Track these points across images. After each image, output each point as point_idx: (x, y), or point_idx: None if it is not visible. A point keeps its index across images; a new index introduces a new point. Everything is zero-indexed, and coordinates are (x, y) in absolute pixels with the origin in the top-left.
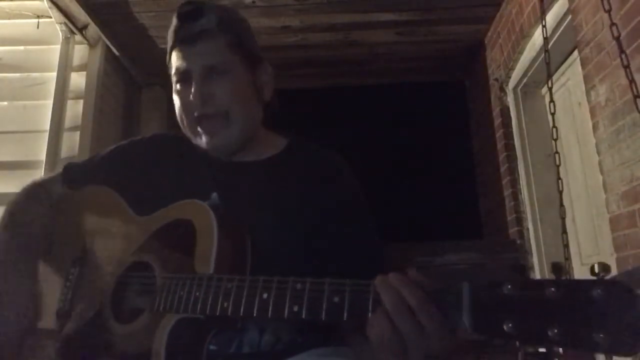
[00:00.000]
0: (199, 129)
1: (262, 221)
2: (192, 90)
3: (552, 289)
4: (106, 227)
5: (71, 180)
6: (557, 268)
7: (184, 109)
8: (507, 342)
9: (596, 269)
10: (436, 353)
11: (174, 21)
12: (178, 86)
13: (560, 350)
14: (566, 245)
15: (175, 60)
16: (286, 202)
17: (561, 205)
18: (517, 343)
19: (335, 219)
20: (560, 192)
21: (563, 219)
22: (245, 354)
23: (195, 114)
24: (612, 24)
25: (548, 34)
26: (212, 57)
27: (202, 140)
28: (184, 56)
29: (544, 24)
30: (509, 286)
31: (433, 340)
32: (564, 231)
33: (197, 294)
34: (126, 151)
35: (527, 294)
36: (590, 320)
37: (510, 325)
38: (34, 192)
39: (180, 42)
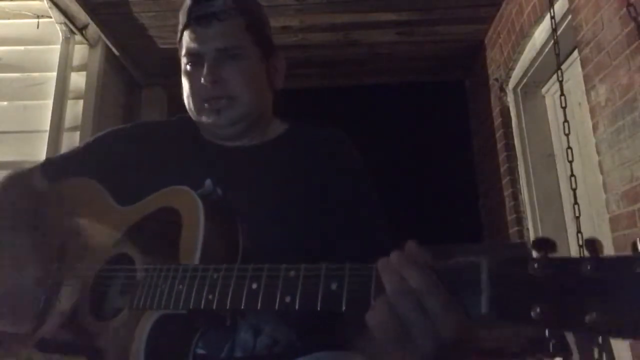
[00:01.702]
0: (205, 105)
1: (259, 207)
2: (204, 73)
3: (589, 267)
4: (86, 218)
5: (51, 172)
6: (591, 244)
7: (194, 91)
8: (534, 328)
9: (639, 246)
10: (447, 341)
11: (188, 0)
12: (188, 67)
13: (600, 339)
14: (581, 246)
15: (187, 41)
16: (284, 187)
17: (575, 202)
18: (546, 331)
19: (337, 202)
20: (574, 190)
21: (578, 217)
22: (238, 358)
23: (205, 96)
24: (630, 4)
25: (547, 36)
26: (226, 40)
27: (209, 119)
28: (197, 37)
29: (552, 14)
30: (536, 264)
31: (442, 327)
32: (579, 230)
33: (180, 287)
34: (109, 140)
35: (559, 273)
36: (636, 302)
37: (538, 309)
38: (15, 183)
39: (194, 22)
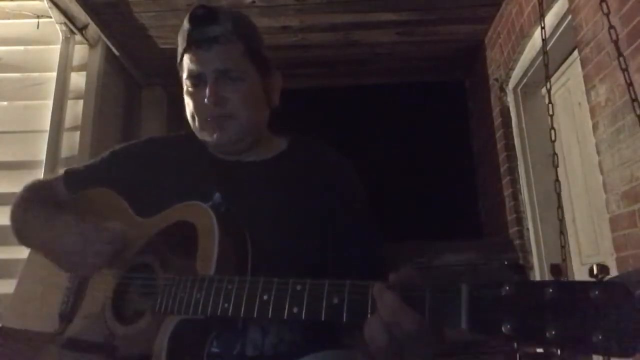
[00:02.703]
0: (208, 119)
1: (264, 221)
2: (207, 93)
3: (551, 290)
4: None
5: (72, 184)
6: (556, 269)
7: (197, 110)
8: (505, 343)
9: (595, 270)
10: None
11: (186, 24)
12: (191, 89)
13: (559, 351)
14: (563, 246)
15: (188, 63)
16: (288, 202)
17: (559, 207)
18: (515, 344)
19: (337, 219)
20: (559, 194)
21: (561, 220)
22: (248, 356)
23: (208, 118)
24: (611, 26)
25: (548, 35)
26: (226, 62)
27: (211, 136)
28: (199, 60)
29: (543, 25)
30: (507, 287)
31: (425, 346)
32: (562, 232)
33: (198, 295)
34: (126, 154)
35: (526, 295)
36: (588, 322)
37: (508, 326)
38: (38, 192)
39: (195, 45)
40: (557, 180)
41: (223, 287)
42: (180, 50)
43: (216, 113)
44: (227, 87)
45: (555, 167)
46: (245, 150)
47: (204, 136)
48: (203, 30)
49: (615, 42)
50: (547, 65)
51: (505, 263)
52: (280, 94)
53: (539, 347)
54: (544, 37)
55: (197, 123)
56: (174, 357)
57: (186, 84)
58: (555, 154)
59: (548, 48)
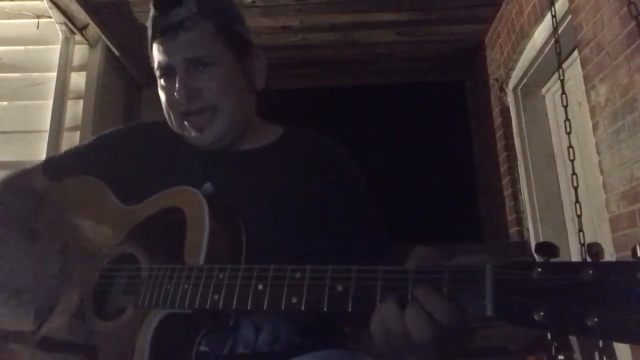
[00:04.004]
0: (186, 123)
1: (259, 211)
2: (177, 87)
3: (591, 272)
4: (90, 218)
5: (52, 172)
6: (593, 249)
7: (169, 105)
8: (537, 331)
9: (638, 251)
10: (452, 350)
11: (152, 9)
12: (162, 81)
13: (600, 342)
14: (583, 244)
15: (156, 55)
16: (283, 190)
17: (577, 201)
18: (549, 335)
19: (337, 206)
20: (576, 188)
21: (579, 216)
22: (240, 355)
23: (182, 111)
24: (630, 2)
25: (547, 35)
26: (196, 49)
27: (192, 136)
28: (165, 50)
29: (553, 13)
30: (539, 269)
31: (448, 340)
32: (581, 229)
33: (186, 286)
34: (111, 140)
35: (561, 277)
36: (637, 309)
37: (541, 313)
38: (13, 183)
39: (160, 34)
40: (573, 173)
41: (213, 276)
42: (148, 39)
43: (192, 108)
44: (199, 76)
45: (572, 160)
46: (233, 142)
47: (183, 134)
48: (167, 16)
49: (636, 18)
50: (560, 54)
51: (538, 244)
52: (267, 74)
53: (578, 336)
54: (554, 25)
55: (173, 121)
56: (157, 356)
57: (157, 75)
58: (570, 146)
59: (548, 49)
